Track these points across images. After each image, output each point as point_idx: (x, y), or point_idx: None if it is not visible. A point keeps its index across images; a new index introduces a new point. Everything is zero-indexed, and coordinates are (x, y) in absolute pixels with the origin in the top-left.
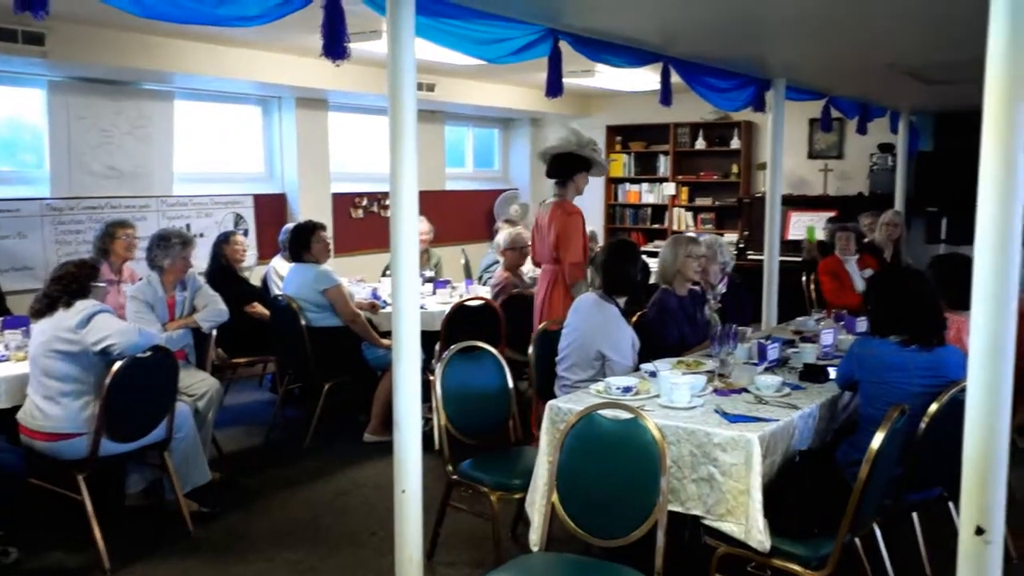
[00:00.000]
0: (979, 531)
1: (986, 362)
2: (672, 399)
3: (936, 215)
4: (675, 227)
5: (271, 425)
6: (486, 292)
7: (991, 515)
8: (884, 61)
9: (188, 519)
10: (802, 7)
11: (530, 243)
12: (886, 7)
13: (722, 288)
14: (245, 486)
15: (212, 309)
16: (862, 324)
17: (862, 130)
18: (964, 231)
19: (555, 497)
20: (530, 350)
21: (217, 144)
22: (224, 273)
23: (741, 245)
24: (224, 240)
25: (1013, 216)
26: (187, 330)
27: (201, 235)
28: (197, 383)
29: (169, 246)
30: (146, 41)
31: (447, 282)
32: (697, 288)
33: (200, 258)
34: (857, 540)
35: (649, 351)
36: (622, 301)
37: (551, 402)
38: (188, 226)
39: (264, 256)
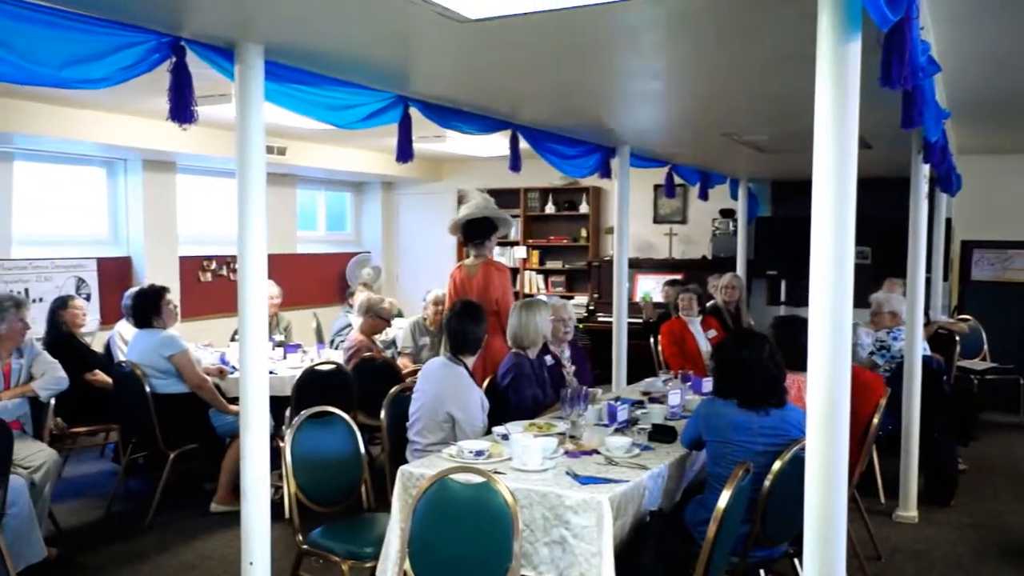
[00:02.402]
0: None
1: (823, 421)
2: (524, 462)
3: (776, 278)
4: (527, 290)
5: (113, 497)
6: (338, 356)
7: (832, 570)
8: (721, 131)
9: None
10: (639, 83)
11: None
12: (720, 84)
13: (567, 351)
14: (84, 563)
15: (50, 377)
16: (708, 384)
17: (703, 196)
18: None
19: (407, 564)
20: (382, 414)
21: (59, 206)
22: (64, 339)
23: (591, 308)
24: (62, 305)
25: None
26: (24, 399)
27: (40, 299)
28: (33, 454)
29: (3, 311)
30: None
31: (298, 346)
32: (550, 353)
33: (38, 323)
34: None
35: (504, 414)
36: (470, 361)
37: (403, 467)
38: (27, 290)
39: (108, 321)
